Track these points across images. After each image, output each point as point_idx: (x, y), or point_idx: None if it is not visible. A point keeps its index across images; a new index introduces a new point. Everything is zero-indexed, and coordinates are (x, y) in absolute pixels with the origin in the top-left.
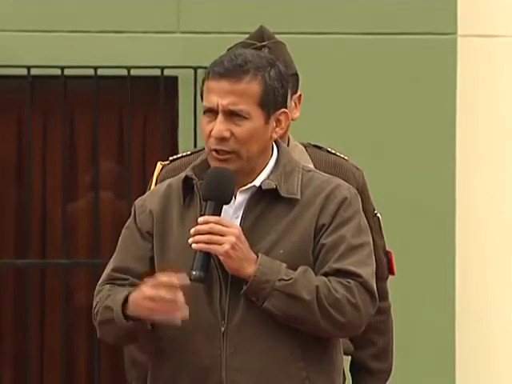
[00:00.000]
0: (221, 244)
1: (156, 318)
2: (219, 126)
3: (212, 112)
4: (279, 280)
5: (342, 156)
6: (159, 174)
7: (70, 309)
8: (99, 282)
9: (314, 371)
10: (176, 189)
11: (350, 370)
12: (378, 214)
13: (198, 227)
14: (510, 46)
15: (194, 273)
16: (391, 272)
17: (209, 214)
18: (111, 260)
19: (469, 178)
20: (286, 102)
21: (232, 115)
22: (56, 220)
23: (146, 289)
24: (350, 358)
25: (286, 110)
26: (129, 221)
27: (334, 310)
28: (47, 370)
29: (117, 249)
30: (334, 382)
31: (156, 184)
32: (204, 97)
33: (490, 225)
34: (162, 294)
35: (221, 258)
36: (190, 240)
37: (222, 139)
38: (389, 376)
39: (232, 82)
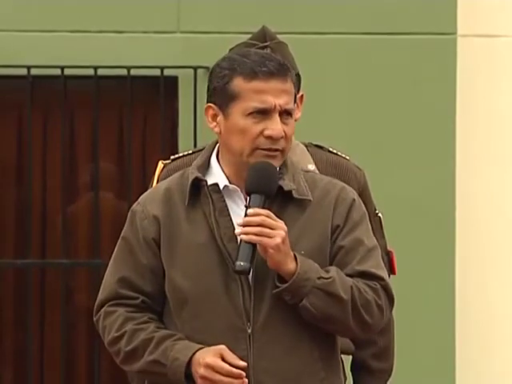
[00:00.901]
0: (272, 237)
1: None
2: (279, 126)
3: (262, 112)
4: (319, 278)
5: (343, 156)
6: (160, 172)
7: (69, 309)
8: (104, 297)
9: (329, 372)
10: (177, 191)
11: (351, 370)
12: (380, 214)
13: (249, 219)
14: (510, 45)
15: (241, 263)
16: (392, 271)
17: (254, 207)
18: (111, 271)
19: (469, 178)
20: None
21: (282, 114)
22: (56, 220)
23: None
24: (350, 357)
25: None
26: (125, 229)
27: (364, 310)
28: (47, 370)
29: (115, 260)
30: (342, 382)
31: (158, 183)
32: (248, 97)
33: (490, 225)
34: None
35: (270, 251)
36: (238, 231)
37: (280, 138)
38: (389, 376)
39: (282, 82)
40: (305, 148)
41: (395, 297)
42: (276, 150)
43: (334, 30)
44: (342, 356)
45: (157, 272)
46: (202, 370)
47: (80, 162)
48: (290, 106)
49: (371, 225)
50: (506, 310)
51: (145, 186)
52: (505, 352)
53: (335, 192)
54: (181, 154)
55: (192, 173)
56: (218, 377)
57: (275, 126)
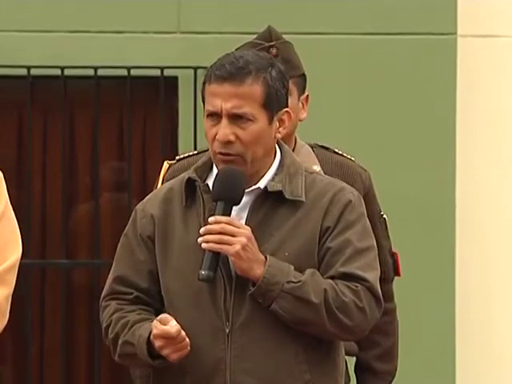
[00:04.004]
0: (232, 244)
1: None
2: (224, 130)
3: (215, 116)
4: (288, 282)
5: (348, 157)
6: (166, 173)
7: (69, 309)
8: (103, 295)
9: (317, 374)
10: (178, 191)
11: (355, 371)
12: (385, 216)
13: (209, 227)
14: (510, 45)
15: (202, 272)
16: (397, 273)
17: (219, 215)
18: (112, 269)
19: (469, 178)
20: (288, 101)
21: (236, 118)
22: (56, 220)
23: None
24: (354, 358)
25: (289, 110)
26: (128, 227)
27: (341, 313)
28: (47, 370)
29: (116, 257)
30: None
31: (163, 183)
32: (206, 100)
33: (490, 225)
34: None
35: (231, 258)
36: (200, 239)
37: (227, 143)
38: (393, 377)
39: (235, 85)
40: (310, 149)
41: (395, 297)
42: (229, 155)
43: (334, 30)
44: (346, 357)
45: (154, 269)
46: (157, 342)
47: (80, 162)
48: (242, 110)
49: (376, 227)
50: (506, 310)
51: (145, 185)
52: (505, 352)
53: (332, 193)
54: (186, 155)
55: (188, 173)
56: (164, 342)
57: (220, 130)
